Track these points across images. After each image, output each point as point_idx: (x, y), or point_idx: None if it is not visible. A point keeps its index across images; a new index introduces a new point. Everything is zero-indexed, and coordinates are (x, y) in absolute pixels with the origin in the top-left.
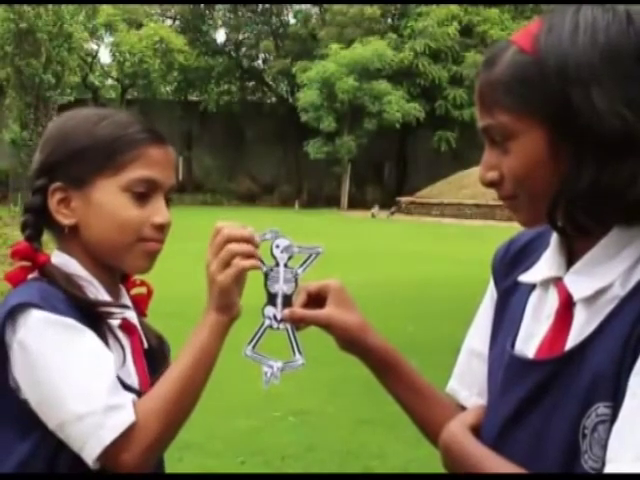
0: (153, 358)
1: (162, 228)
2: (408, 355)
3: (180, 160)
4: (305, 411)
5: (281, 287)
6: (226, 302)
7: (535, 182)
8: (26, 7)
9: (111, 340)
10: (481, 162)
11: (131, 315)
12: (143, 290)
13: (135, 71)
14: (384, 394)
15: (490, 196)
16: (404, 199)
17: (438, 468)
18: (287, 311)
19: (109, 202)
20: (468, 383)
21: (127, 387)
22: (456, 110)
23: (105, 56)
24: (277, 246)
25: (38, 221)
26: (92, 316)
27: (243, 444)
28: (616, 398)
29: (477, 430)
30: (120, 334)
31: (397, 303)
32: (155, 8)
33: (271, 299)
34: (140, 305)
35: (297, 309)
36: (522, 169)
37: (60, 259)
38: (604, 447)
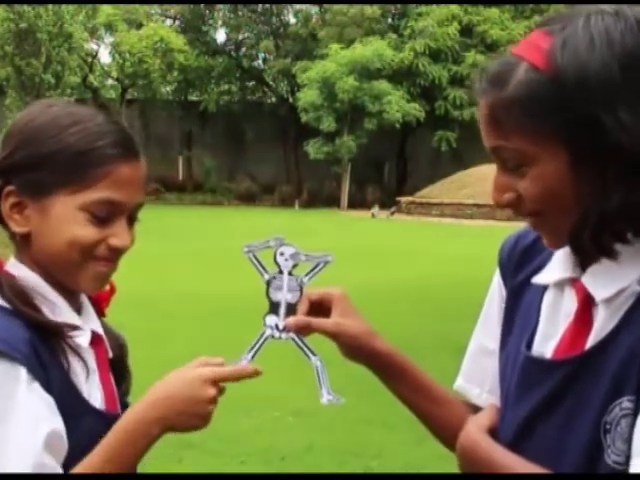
0: (117, 367)
1: (117, 251)
2: (407, 354)
3: (180, 160)
4: (305, 411)
5: (285, 296)
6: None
7: (556, 204)
8: (26, 7)
9: (73, 359)
10: (494, 183)
11: (96, 326)
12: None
13: (135, 71)
14: (384, 394)
15: (490, 196)
16: (404, 199)
17: (438, 468)
18: (292, 319)
19: (65, 218)
20: (478, 381)
21: (90, 408)
22: (456, 110)
23: (105, 56)
24: (282, 253)
25: None
26: (49, 335)
27: (243, 444)
28: (639, 391)
29: (493, 432)
30: (85, 351)
31: (397, 302)
32: (155, 8)
33: (273, 308)
34: (100, 304)
35: (302, 317)
36: (542, 193)
37: (18, 271)
38: (627, 441)
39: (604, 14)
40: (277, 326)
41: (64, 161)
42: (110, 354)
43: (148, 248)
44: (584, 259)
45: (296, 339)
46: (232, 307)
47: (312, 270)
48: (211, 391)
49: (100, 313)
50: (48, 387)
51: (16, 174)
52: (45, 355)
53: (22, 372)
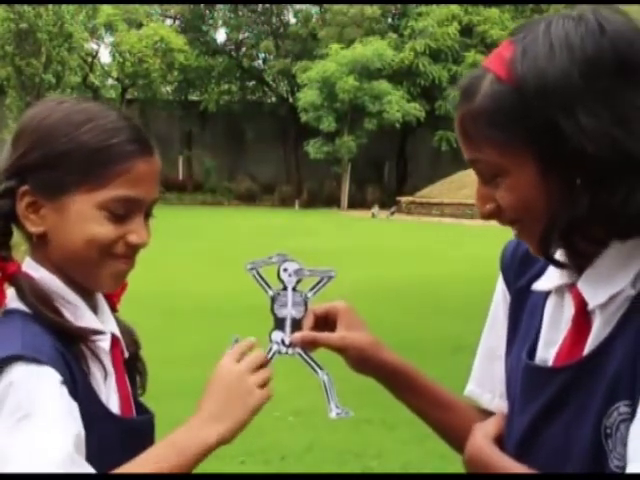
0: (132, 363)
1: (136, 247)
2: (407, 353)
3: (180, 160)
4: (305, 411)
5: (290, 311)
6: (239, 431)
7: (532, 212)
8: (26, 7)
9: (92, 364)
10: (476, 195)
11: (113, 326)
12: None
13: (135, 71)
14: (384, 394)
15: None
16: (404, 199)
17: (438, 467)
18: (298, 335)
19: (83, 216)
20: (489, 386)
21: (109, 414)
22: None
23: (105, 56)
24: (285, 269)
25: (6, 227)
26: (72, 339)
27: (243, 444)
28: (634, 396)
29: (500, 440)
30: (104, 354)
31: (397, 302)
32: (155, 8)
33: (279, 324)
34: (112, 299)
35: (308, 332)
36: (516, 202)
37: (37, 273)
38: (626, 445)
39: (565, 19)
40: (283, 342)
41: (80, 159)
42: (126, 354)
43: (148, 248)
44: (561, 267)
45: (302, 354)
46: (232, 306)
47: (316, 285)
48: (238, 367)
49: (112, 309)
50: (75, 393)
51: (31, 174)
52: (71, 361)
53: (52, 372)
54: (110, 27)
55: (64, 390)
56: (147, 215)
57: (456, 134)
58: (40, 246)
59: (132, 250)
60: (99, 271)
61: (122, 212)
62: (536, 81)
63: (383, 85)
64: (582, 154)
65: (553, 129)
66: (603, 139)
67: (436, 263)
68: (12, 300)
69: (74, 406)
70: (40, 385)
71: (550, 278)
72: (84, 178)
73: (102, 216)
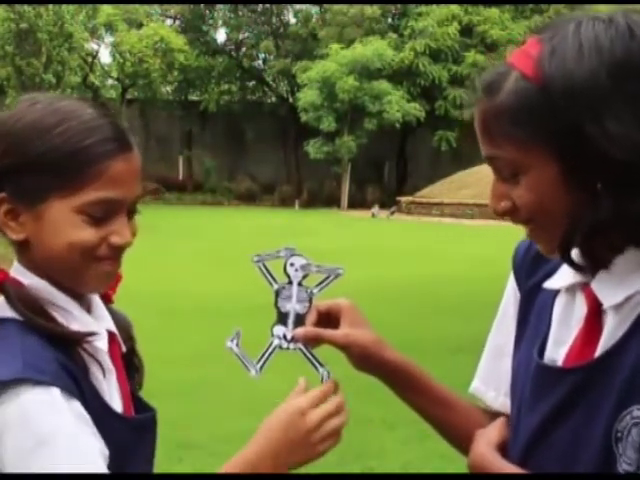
0: (129, 358)
1: (120, 248)
2: (407, 353)
3: (180, 160)
4: None
5: (294, 306)
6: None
7: (550, 213)
8: (26, 7)
9: (92, 365)
10: (491, 191)
11: (109, 322)
12: None
13: (135, 71)
14: (384, 394)
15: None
16: (404, 199)
17: (438, 467)
18: (301, 330)
19: (61, 222)
20: (494, 384)
21: (115, 414)
22: (456, 110)
23: (105, 56)
24: (292, 264)
25: None
26: (67, 343)
27: (243, 444)
28: None
29: (503, 446)
30: (103, 353)
31: (397, 302)
32: (155, 8)
33: (281, 318)
34: (106, 292)
35: (311, 328)
36: (534, 202)
37: (26, 278)
38: (638, 450)
39: (595, 20)
40: (285, 336)
41: (53, 164)
42: (123, 348)
43: (148, 248)
44: (577, 269)
45: (304, 350)
46: (232, 306)
47: (322, 282)
48: (311, 418)
49: (107, 300)
50: (84, 401)
51: (6, 180)
52: (74, 369)
53: (56, 393)
54: (110, 27)
55: (75, 405)
56: (131, 213)
57: (476, 129)
58: (24, 252)
59: (116, 251)
60: (85, 274)
61: (101, 214)
62: (564, 82)
63: (383, 85)
64: (605, 158)
65: (577, 131)
66: (626, 144)
67: (436, 263)
68: (5, 308)
69: (88, 419)
70: (52, 411)
71: (563, 276)
72: (59, 183)
73: (81, 220)
